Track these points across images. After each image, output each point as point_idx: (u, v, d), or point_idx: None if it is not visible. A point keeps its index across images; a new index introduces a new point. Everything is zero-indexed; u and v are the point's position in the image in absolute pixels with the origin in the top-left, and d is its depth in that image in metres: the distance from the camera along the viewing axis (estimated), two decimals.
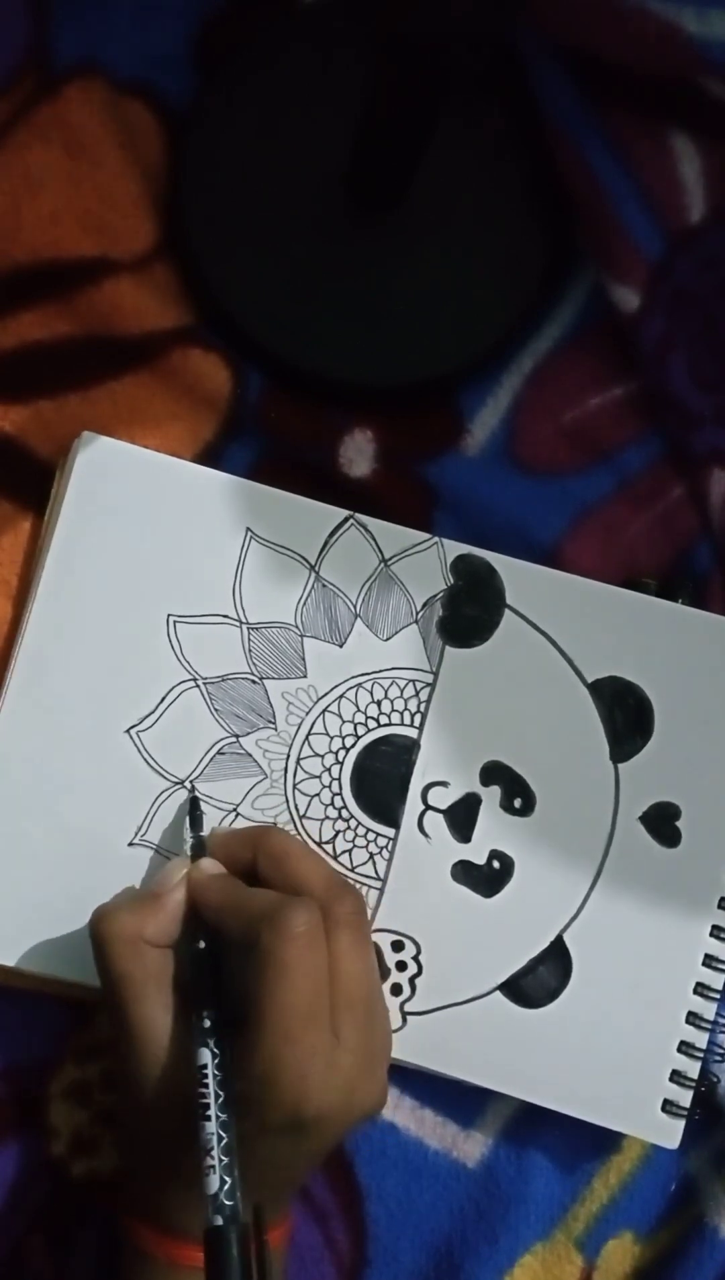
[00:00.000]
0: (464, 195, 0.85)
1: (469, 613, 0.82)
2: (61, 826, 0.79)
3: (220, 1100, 0.69)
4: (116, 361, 0.84)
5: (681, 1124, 0.80)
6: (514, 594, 0.82)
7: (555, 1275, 0.83)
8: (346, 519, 0.81)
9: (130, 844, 0.79)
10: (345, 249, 0.85)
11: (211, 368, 0.85)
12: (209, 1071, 0.70)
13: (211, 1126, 0.68)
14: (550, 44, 0.81)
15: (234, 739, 0.80)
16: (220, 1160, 0.68)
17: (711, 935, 0.81)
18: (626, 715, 0.82)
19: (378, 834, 0.80)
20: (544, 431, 0.87)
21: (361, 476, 0.85)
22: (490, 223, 0.86)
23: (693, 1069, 0.80)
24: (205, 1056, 0.70)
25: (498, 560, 0.82)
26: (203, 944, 0.74)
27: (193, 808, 0.79)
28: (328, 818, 0.80)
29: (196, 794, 0.80)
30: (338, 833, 0.80)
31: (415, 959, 0.80)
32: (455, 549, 0.82)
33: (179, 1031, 0.72)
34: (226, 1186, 0.67)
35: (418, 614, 0.81)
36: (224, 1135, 0.68)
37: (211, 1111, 0.69)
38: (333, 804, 0.80)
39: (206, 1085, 0.69)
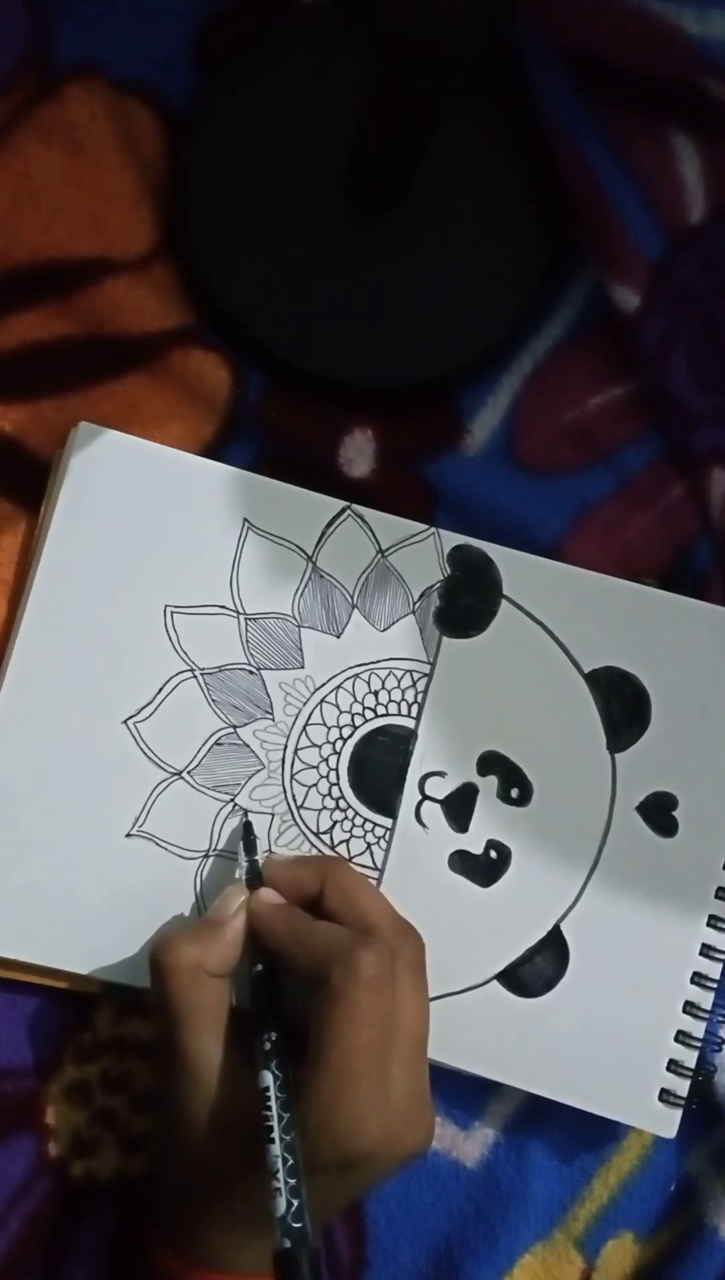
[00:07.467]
0: (464, 195, 0.85)
1: (466, 603, 0.82)
2: (59, 818, 0.78)
3: (284, 1122, 0.68)
4: (116, 361, 0.85)
5: (679, 1113, 0.79)
6: (511, 584, 0.82)
7: (555, 1275, 0.83)
8: (343, 510, 0.81)
9: (128, 835, 0.79)
10: (345, 249, 0.85)
11: (211, 368, 0.86)
12: (272, 1094, 0.69)
13: (277, 1149, 0.67)
14: (550, 44, 0.81)
15: (231, 730, 0.80)
16: (286, 1182, 0.67)
17: (708, 925, 0.81)
18: (623, 705, 0.81)
19: (375, 824, 0.80)
20: (544, 431, 0.87)
21: (361, 476, 0.85)
22: (490, 223, 0.86)
23: (690, 1058, 0.80)
24: (268, 1079, 0.70)
25: (495, 551, 0.82)
26: (262, 967, 0.74)
27: (247, 833, 0.79)
28: (325, 808, 0.80)
29: (250, 818, 0.80)
30: (335, 823, 0.80)
31: None
32: (452, 539, 0.82)
33: (235, 1062, 0.72)
34: (294, 1208, 0.66)
35: (415, 604, 0.81)
36: (289, 1158, 0.67)
37: (276, 1134, 0.68)
38: (330, 794, 0.80)
39: (270, 1108, 0.69)
